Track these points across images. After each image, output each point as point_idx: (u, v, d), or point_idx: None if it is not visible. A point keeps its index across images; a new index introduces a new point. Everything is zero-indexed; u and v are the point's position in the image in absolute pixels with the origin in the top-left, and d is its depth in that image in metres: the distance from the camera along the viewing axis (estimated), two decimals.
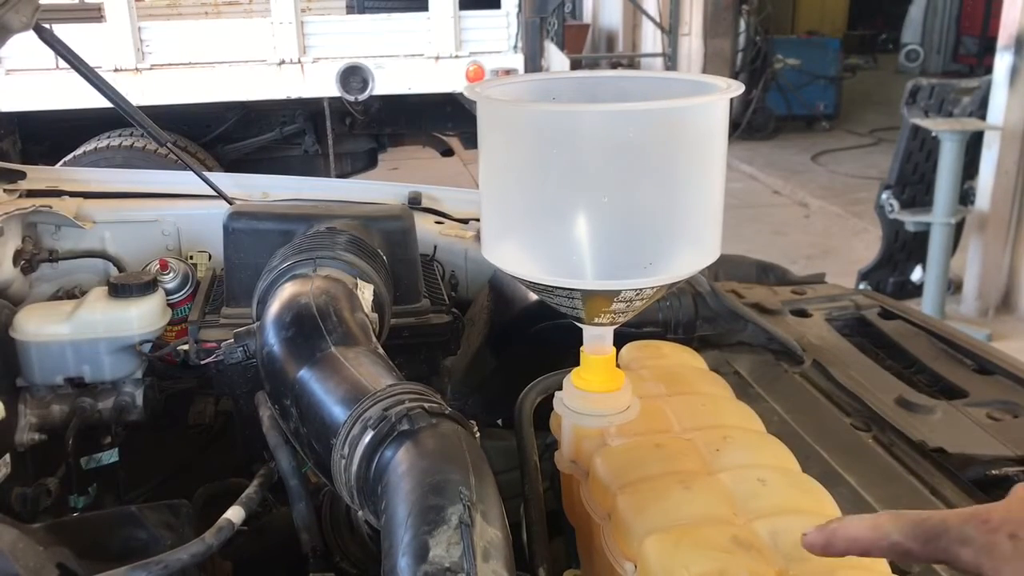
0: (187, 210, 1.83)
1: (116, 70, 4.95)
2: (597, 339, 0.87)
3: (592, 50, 12.68)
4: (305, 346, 0.98)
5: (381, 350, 1.01)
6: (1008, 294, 4.91)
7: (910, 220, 4.64)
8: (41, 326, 1.37)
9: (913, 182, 4.72)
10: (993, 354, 1.34)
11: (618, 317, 0.83)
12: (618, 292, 0.78)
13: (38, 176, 1.90)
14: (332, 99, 5.20)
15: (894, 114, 6.12)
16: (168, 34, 5.19)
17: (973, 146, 4.57)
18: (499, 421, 1.50)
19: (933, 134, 4.48)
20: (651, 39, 10.87)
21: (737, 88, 0.77)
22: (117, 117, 2.18)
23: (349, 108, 5.23)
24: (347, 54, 5.15)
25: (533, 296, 1.37)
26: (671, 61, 9.46)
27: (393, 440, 0.77)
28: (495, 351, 1.53)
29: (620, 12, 12.23)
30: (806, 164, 8.61)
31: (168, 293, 1.54)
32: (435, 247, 1.71)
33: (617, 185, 0.75)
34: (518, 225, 0.82)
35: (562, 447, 0.96)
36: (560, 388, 0.92)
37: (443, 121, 5.71)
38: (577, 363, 0.90)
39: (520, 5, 5.21)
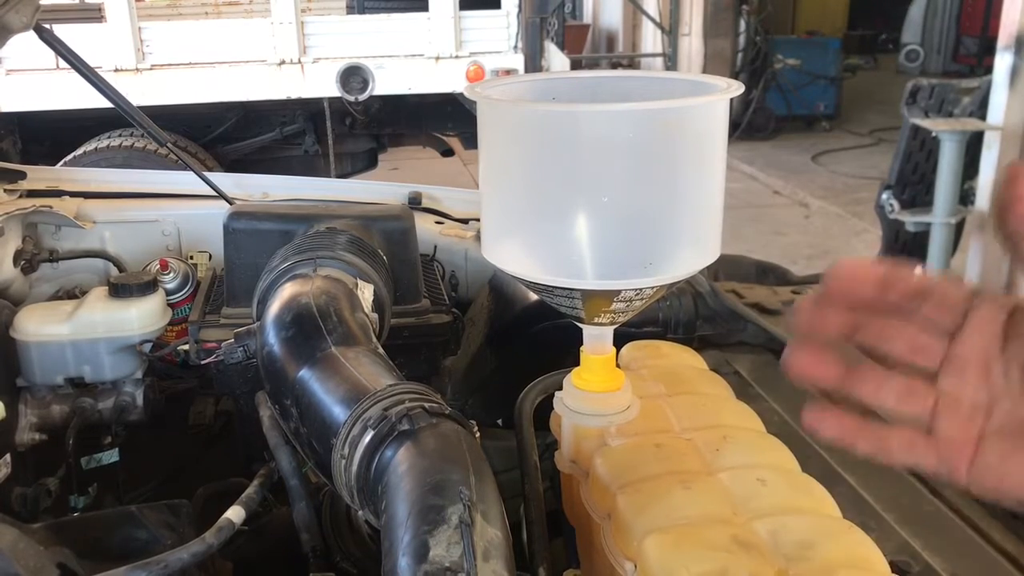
0: (187, 210, 1.83)
1: (116, 70, 4.95)
2: (597, 339, 0.87)
3: (592, 50, 12.68)
4: (305, 346, 0.98)
5: (381, 350, 1.01)
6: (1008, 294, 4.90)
7: (910, 220, 4.63)
8: (41, 326, 1.37)
9: (913, 182, 4.72)
10: None
11: (618, 317, 0.83)
12: (618, 292, 0.78)
13: (38, 176, 1.90)
14: (332, 99, 5.20)
15: (894, 114, 6.11)
16: (168, 34, 5.19)
17: (973, 146, 4.56)
18: (499, 421, 1.50)
19: (933, 134, 4.48)
20: (651, 39, 10.87)
21: (737, 88, 0.77)
22: (117, 117, 2.18)
23: (349, 108, 5.23)
24: (347, 54, 5.15)
25: (533, 296, 1.37)
26: (671, 61, 9.46)
27: (393, 440, 0.77)
28: (495, 351, 1.53)
29: (620, 12, 12.23)
30: (806, 164, 8.61)
31: (168, 293, 1.54)
32: (435, 247, 1.71)
33: (617, 185, 0.75)
34: (518, 225, 0.82)
35: (562, 447, 0.96)
36: (560, 388, 0.92)
37: (443, 121, 5.71)
38: (577, 363, 0.90)
39: (520, 5, 5.20)
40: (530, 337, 1.43)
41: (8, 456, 1.31)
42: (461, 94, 5.03)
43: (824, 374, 0.58)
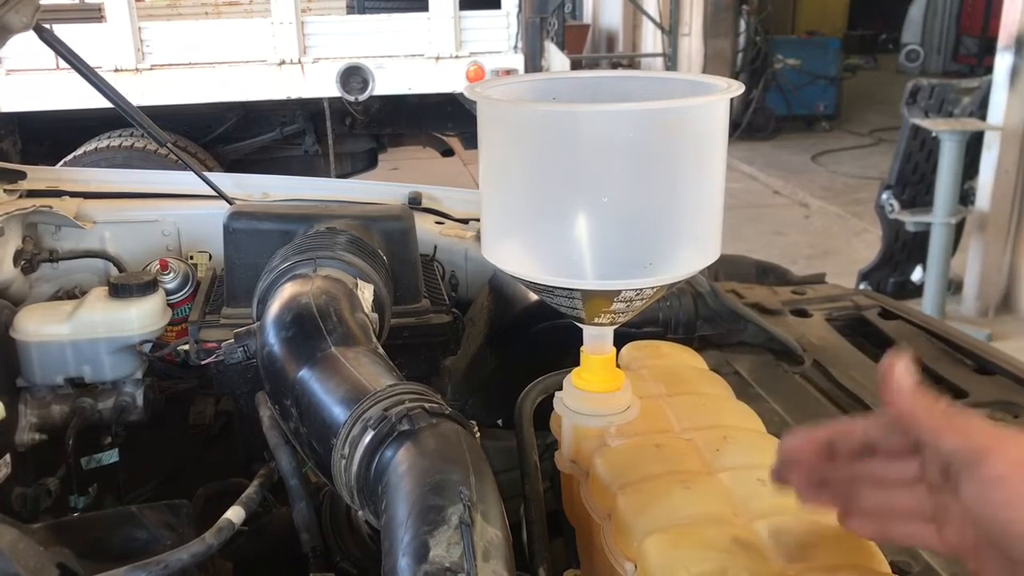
0: (187, 210, 1.83)
1: (116, 70, 4.95)
2: (597, 339, 0.87)
3: (592, 50, 12.68)
4: (305, 346, 0.98)
5: (381, 350, 1.01)
6: (1008, 294, 4.91)
7: (910, 220, 4.63)
8: (41, 326, 1.37)
9: (913, 182, 4.72)
10: (993, 354, 1.34)
11: (618, 317, 0.83)
12: (618, 292, 0.78)
13: (38, 176, 1.90)
14: (332, 99, 5.20)
15: (894, 114, 6.12)
16: (168, 34, 5.19)
17: (973, 146, 4.57)
18: (499, 421, 1.50)
19: (933, 134, 4.48)
20: (651, 39, 10.87)
21: (737, 88, 0.77)
22: (117, 117, 2.18)
23: (349, 108, 5.23)
24: (347, 54, 5.15)
25: (533, 296, 1.37)
26: (671, 61, 9.46)
27: (393, 440, 0.77)
28: (495, 351, 1.53)
29: (620, 12, 12.23)
30: (806, 164, 8.61)
31: (168, 293, 1.54)
32: (435, 247, 1.71)
33: (617, 185, 0.75)
34: (518, 225, 0.82)
35: (562, 447, 0.96)
36: (560, 388, 0.92)
37: (443, 121, 5.71)
38: (577, 363, 0.90)
39: (520, 5, 5.21)
40: (530, 337, 1.43)
41: (8, 456, 1.31)
42: (461, 94, 5.03)
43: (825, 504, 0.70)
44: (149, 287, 1.44)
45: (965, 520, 0.58)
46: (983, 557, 0.58)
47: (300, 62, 5.15)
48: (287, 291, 1.09)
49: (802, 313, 1.49)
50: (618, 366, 0.91)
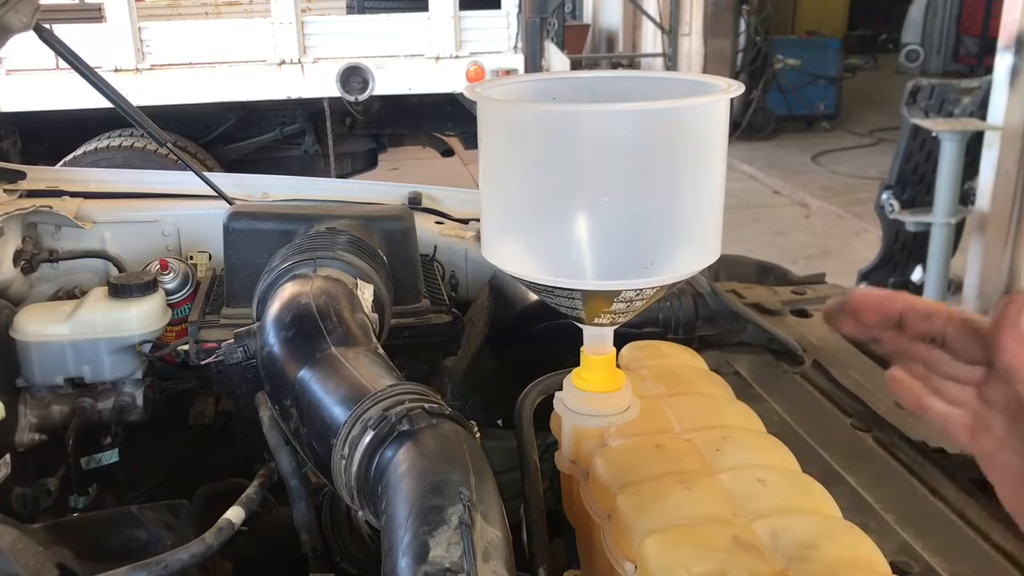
0: (187, 210, 1.83)
1: (116, 70, 4.95)
2: (597, 339, 0.87)
3: (592, 50, 12.68)
4: (305, 346, 0.98)
5: (381, 350, 1.01)
6: (1008, 294, 4.91)
7: (910, 220, 4.63)
8: (41, 326, 1.37)
9: (913, 182, 4.71)
10: None
11: (618, 317, 0.83)
12: (618, 292, 0.78)
13: (38, 176, 1.90)
14: (332, 99, 5.20)
15: (894, 114, 6.12)
16: (168, 34, 5.19)
17: (973, 146, 4.56)
18: (499, 421, 1.50)
19: (933, 134, 4.48)
20: (651, 39, 10.86)
21: (737, 88, 0.77)
22: (117, 117, 2.18)
23: (349, 108, 5.23)
24: (347, 54, 5.15)
25: (533, 296, 1.37)
26: (671, 61, 9.46)
27: (393, 440, 0.77)
28: (495, 351, 1.53)
29: (620, 12, 12.22)
30: (806, 164, 8.61)
31: (168, 293, 1.54)
32: (435, 247, 1.71)
33: (617, 185, 0.75)
34: (518, 225, 0.82)
35: (562, 447, 0.96)
36: (560, 388, 0.92)
37: (443, 121, 5.71)
38: (577, 363, 0.90)
39: (520, 5, 5.21)
40: (530, 337, 1.43)
41: (8, 456, 1.31)
42: (461, 94, 5.03)
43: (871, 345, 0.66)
44: (149, 287, 1.44)
45: (1004, 441, 0.58)
46: (1013, 482, 0.59)
47: (300, 62, 5.15)
48: (287, 291, 1.09)
49: (802, 313, 1.49)
50: (618, 366, 0.91)
